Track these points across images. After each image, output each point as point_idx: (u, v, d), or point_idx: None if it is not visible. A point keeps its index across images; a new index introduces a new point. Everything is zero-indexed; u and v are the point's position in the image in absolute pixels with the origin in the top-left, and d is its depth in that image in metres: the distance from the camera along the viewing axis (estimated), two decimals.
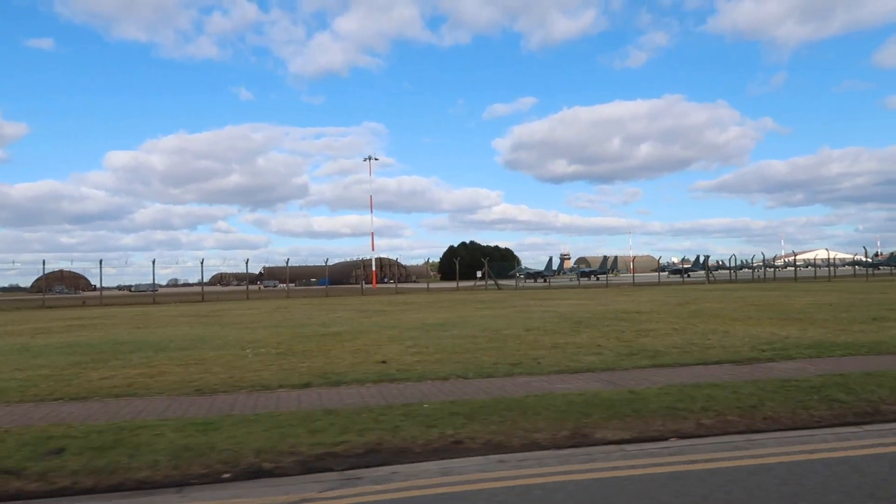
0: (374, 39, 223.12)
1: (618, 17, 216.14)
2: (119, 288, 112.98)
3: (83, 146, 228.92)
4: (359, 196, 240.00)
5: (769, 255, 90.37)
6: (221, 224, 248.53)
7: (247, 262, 60.57)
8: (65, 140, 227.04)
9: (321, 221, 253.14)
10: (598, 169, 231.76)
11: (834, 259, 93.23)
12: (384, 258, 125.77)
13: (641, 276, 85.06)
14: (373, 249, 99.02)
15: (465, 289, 62.12)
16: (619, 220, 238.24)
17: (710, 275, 71.94)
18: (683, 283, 70.63)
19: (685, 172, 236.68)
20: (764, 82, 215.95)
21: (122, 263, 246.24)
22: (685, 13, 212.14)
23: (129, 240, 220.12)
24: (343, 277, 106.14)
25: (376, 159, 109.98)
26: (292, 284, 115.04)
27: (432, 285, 68.76)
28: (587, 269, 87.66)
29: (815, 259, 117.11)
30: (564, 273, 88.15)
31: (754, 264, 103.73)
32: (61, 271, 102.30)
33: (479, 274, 72.15)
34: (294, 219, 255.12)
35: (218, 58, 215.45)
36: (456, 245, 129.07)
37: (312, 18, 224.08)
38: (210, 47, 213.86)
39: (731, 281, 68.19)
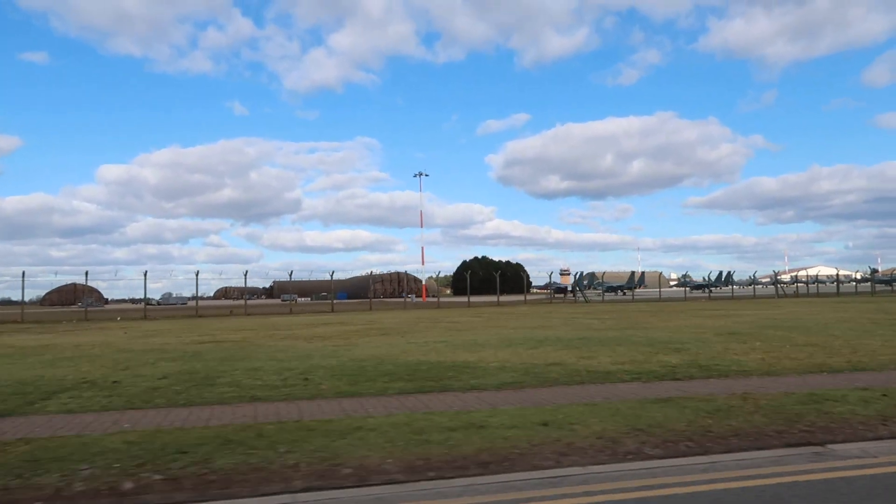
0: (368, 55, 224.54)
1: (610, 35, 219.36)
2: (132, 301, 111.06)
3: (76, 160, 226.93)
4: (352, 211, 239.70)
5: (762, 271, 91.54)
6: (214, 238, 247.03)
7: (245, 275, 58.81)
8: (57, 153, 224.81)
9: (314, 236, 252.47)
10: (590, 185, 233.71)
11: (855, 275, 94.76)
12: (401, 273, 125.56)
13: (666, 292, 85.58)
14: (422, 264, 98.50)
15: (534, 301, 62.12)
16: (611, 237, 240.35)
17: (781, 288, 72.16)
18: (710, 297, 71.14)
19: (677, 189, 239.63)
20: (755, 100, 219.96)
21: (111, 276, 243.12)
22: (677, 32, 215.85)
23: (120, 253, 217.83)
24: (361, 291, 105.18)
25: (426, 175, 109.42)
26: (307, 298, 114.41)
27: (473, 299, 68.22)
28: (615, 285, 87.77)
29: (818, 275, 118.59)
30: (594, 288, 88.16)
31: (762, 280, 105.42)
32: (74, 284, 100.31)
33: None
34: (287, 233, 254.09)
35: (212, 72, 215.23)
36: (468, 260, 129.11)
37: (307, 34, 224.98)
38: (204, 62, 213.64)
39: (781, 296, 68.73)
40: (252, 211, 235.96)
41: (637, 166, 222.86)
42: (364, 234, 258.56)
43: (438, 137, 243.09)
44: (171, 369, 13.94)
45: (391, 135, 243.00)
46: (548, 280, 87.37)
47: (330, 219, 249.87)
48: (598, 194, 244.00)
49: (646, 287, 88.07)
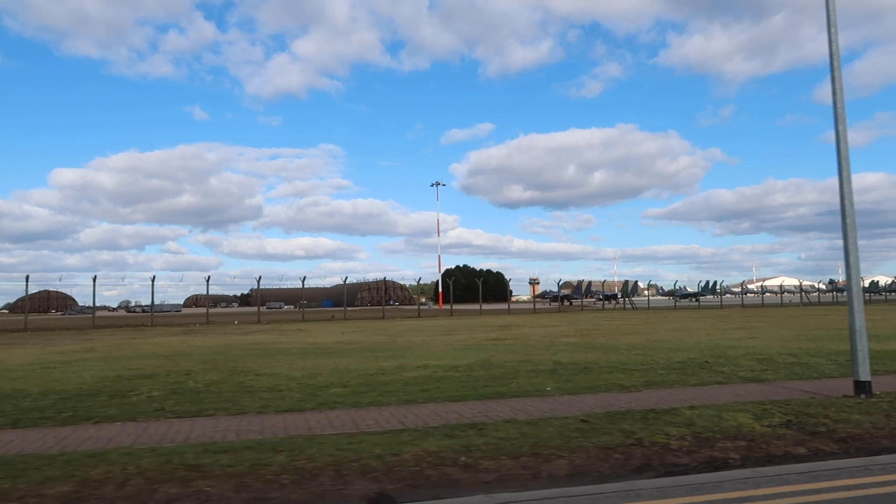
0: (332, 62, 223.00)
1: (573, 48, 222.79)
2: (125, 308, 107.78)
3: (28, 163, 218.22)
4: (314, 218, 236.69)
5: (717, 281, 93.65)
6: (171, 245, 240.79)
7: (207, 280, 56.91)
8: (8, 156, 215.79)
9: (275, 243, 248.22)
10: (553, 195, 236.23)
11: (819, 286, 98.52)
12: (388, 280, 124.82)
13: (657, 301, 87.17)
14: (439, 271, 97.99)
15: (545, 309, 62.45)
16: (572, 246, 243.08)
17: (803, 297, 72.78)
18: (700, 307, 72.91)
19: (637, 200, 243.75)
20: (713, 114, 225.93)
21: (59, 282, 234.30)
22: (638, 46, 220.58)
23: (73, 260, 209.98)
24: (348, 299, 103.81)
25: (443, 185, 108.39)
26: (291, 306, 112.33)
27: (513, 306, 68.04)
28: (609, 293, 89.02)
29: (781, 285, 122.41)
30: (592, 296, 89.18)
31: (734, 289, 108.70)
32: (48, 291, 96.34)
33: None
34: (247, 240, 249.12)
35: (173, 76, 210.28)
36: (451, 268, 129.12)
37: (271, 40, 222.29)
38: (165, 65, 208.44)
39: (776, 305, 70.68)
40: (212, 217, 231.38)
41: (599, 177, 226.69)
42: (326, 241, 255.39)
43: (403, 146, 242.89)
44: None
45: (355, 142, 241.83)
46: (538, 288, 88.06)
47: (291, 226, 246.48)
48: (561, 204, 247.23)
49: (638, 296, 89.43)
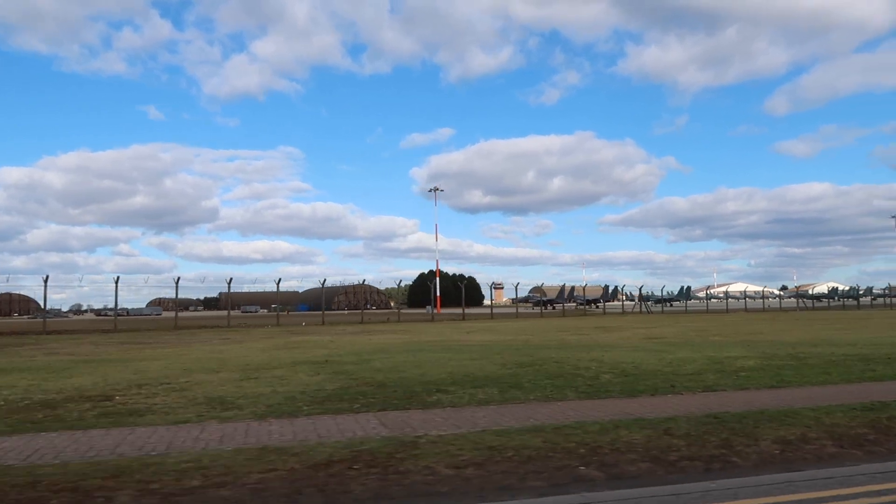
0: (292, 64, 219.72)
1: (534, 55, 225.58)
2: (75, 312, 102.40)
3: None
4: (272, 221, 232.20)
5: (670, 286, 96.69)
6: (123, 247, 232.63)
7: (177, 282, 56.95)
8: None
9: (231, 246, 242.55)
10: (512, 201, 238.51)
11: (778, 291, 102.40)
12: (366, 285, 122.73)
13: (629, 306, 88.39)
14: (437, 276, 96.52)
15: (527, 314, 62.24)
16: (531, 252, 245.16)
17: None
18: (686, 311, 74.59)
19: (594, 207, 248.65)
20: (668, 123, 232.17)
21: (7, 283, 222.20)
22: (596, 55, 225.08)
23: (18, 262, 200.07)
24: (321, 302, 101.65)
25: (441, 190, 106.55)
26: (265, 310, 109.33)
27: (494, 311, 67.45)
28: (590, 298, 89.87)
29: (745, 291, 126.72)
30: (575, 300, 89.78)
31: (699, 294, 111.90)
32: (10, 294, 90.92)
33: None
34: (202, 243, 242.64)
35: (126, 74, 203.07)
36: (426, 272, 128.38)
37: (229, 40, 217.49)
38: (118, 63, 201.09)
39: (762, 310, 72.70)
40: (166, 219, 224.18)
41: (557, 184, 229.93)
42: (284, 245, 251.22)
43: (363, 149, 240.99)
44: None
45: (314, 145, 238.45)
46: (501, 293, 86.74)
47: (249, 229, 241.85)
48: (520, 210, 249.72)
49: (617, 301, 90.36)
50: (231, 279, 48.82)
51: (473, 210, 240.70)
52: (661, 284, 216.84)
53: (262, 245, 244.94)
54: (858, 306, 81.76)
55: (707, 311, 71.20)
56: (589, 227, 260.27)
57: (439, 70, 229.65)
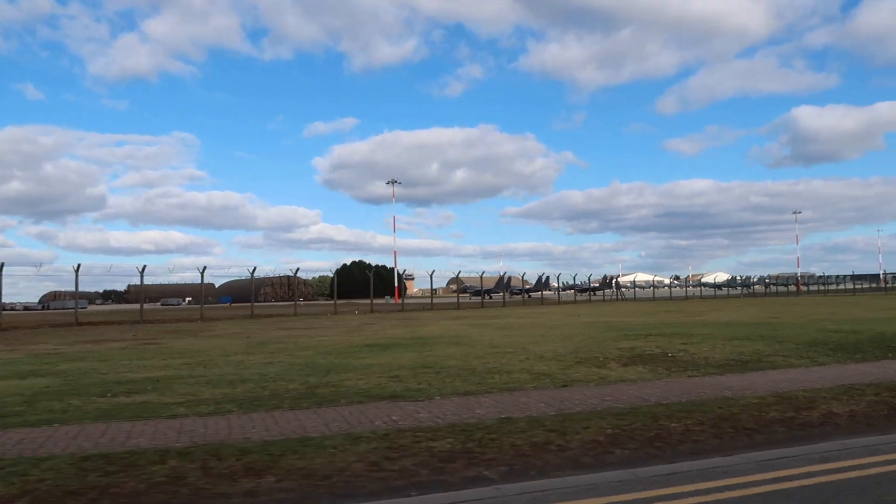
0: (187, 46, 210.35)
1: (438, 47, 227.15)
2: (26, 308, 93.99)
3: None
4: (164, 210, 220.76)
5: (565, 277, 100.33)
6: None
7: (77, 269, 51.87)
8: None
9: (119, 236, 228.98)
10: (416, 192, 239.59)
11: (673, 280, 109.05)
12: (291, 277, 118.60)
13: (563, 295, 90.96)
14: (395, 265, 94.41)
15: (466, 304, 62.11)
16: (434, 242, 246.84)
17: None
18: (603, 300, 77.88)
19: (496, 199, 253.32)
20: (566, 119, 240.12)
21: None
22: (499, 50, 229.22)
23: None
24: (246, 295, 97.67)
25: (399, 183, 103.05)
26: (185, 302, 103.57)
27: (460, 300, 66.62)
28: (527, 288, 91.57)
29: (653, 280, 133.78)
30: (512, 290, 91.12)
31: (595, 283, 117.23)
32: None
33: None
34: (87, 233, 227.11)
35: (0, 50, 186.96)
36: (348, 264, 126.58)
37: (118, 17, 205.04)
38: None
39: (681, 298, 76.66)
40: (45, 207, 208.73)
41: (460, 176, 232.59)
42: (178, 235, 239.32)
43: (263, 136, 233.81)
44: None
45: (211, 131, 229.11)
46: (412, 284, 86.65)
47: (139, 218, 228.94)
48: (424, 201, 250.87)
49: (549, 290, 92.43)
50: (144, 267, 41.67)
51: (377, 201, 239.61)
52: (573, 273, 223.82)
53: (153, 235, 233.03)
54: (753, 293, 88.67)
55: (634, 300, 74.61)
56: (491, 219, 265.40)
57: (343, 58, 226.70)
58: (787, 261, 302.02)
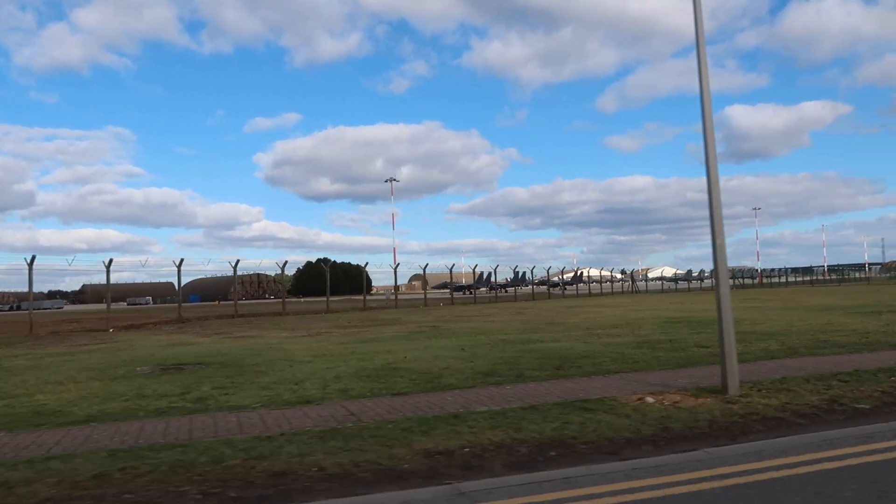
0: (121, 38, 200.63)
1: (382, 43, 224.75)
2: None
3: None
4: (99, 208, 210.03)
5: (507, 272, 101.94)
6: None
7: (30, 262, 49.43)
8: None
9: (50, 235, 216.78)
10: (360, 189, 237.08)
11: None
12: (262, 274, 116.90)
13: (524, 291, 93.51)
14: (395, 262, 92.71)
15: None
16: (379, 240, 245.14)
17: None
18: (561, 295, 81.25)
19: (442, 196, 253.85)
20: (510, 116, 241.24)
21: None
22: (443, 46, 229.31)
23: None
24: (219, 293, 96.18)
25: (396, 181, 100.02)
26: (145, 302, 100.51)
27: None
28: (502, 283, 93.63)
29: (602, 274, 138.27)
30: (491, 285, 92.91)
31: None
32: None
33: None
34: (15, 231, 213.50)
35: None
36: (313, 261, 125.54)
37: (45, 6, 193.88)
38: None
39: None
40: None
41: (406, 172, 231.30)
42: (113, 233, 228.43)
43: (203, 132, 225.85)
44: None
45: (148, 126, 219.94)
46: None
47: (71, 216, 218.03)
48: (368, 198, 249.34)
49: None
50: (111, 260, 35.47)
51: (321, 198, 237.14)
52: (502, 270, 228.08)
53: (87, 234, 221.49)
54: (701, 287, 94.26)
55: (606, 294, 77.81)
56: (436, 216, 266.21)
57: (285, 53, 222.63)
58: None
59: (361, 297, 60.91)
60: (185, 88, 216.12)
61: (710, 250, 9.33)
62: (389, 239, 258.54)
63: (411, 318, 32.63)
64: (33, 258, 31.87)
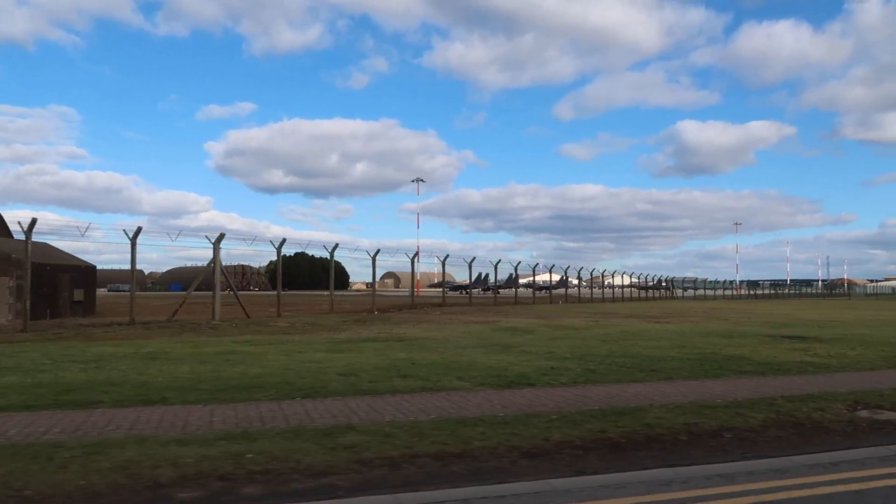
0: (71, 14, 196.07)
1: (343, 37, 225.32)
2: None
3: None
4: (37, 189, 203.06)
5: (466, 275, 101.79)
6: None
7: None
8: None
9: None
10: (313, 183, 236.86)
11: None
12: (246, 266, 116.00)
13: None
14: (417, 260, 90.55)
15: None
16: (330, 235, 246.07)
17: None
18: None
19: (395, 194, 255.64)
20: (468, 118, 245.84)
21: None
22: (405, 45, 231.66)
23: None
24: (202, 283, 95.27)
25: (423, 181, 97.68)
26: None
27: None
28: (493, 285, 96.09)
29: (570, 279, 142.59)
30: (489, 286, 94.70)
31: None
32: None
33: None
34: None
35: None
36: (291, 255, 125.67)
37: None
38: None
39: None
40: None
41: (360, 168, 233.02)
42: (51, 216, 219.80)
43: (153, 116, 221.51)
44: None
45: (95, 107, 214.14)
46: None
47: (7, 197, 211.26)
48: (321, 193, 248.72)
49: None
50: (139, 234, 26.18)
51: (272, 190, 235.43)
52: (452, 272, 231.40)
53: (22, 215, 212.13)
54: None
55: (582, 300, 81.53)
56: (389, 214, 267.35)
57: (243, 41, 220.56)
58: (665, 265, 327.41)
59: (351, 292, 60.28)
60: (137, 70, 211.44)
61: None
62: (342, 235, 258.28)
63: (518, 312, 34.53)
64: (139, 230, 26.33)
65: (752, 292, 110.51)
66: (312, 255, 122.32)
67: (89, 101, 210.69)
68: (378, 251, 40.48)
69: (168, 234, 58.58)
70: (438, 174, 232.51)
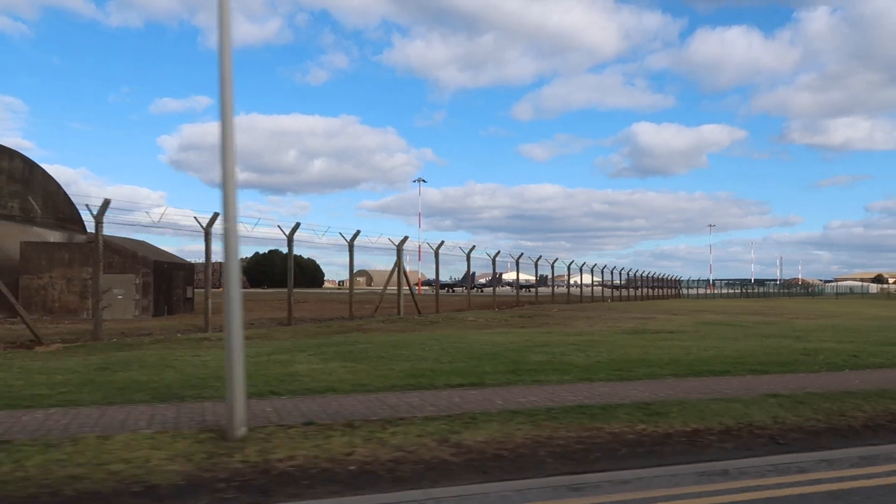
0: (17, 1, 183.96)
1: (302, 32, 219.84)
2: None
3: None
4: None
5: (429, 273, 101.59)
6: None
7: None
8: None
9: None
10: (271, 179, 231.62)
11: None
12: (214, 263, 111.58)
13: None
14: (419, 259, 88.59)
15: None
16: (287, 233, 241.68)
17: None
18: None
19: (354, 191, 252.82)
20: (427, 117, 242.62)
21: None
22: (365, 41, 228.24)
23: None
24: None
25: (424, 182, 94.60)
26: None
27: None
28: (484, 283, 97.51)
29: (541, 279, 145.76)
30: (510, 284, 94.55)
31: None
32: None
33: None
34: None
35: None
36: (266, 252, 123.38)
37: None
38: None
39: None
40: None
41: (319, 165, 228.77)
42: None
43: (103, 108, 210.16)
44: None
45: (42, 98, 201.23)
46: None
47: None
48: (278, 189, 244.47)
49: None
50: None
51: None
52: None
53: None
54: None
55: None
56: (347, 212, 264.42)
57: (198, 33, 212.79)
58: (620, 265, 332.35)
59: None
60: (87, 61, 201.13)
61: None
62: (300, 232, 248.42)
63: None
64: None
65: (744, 290, 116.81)
66: (280, 254, 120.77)
67: (36, 91, 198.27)
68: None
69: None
70: (397, 172, 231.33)
